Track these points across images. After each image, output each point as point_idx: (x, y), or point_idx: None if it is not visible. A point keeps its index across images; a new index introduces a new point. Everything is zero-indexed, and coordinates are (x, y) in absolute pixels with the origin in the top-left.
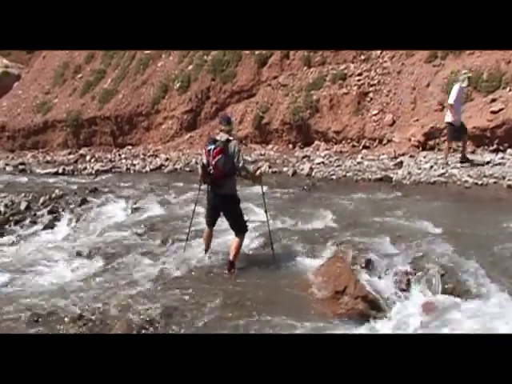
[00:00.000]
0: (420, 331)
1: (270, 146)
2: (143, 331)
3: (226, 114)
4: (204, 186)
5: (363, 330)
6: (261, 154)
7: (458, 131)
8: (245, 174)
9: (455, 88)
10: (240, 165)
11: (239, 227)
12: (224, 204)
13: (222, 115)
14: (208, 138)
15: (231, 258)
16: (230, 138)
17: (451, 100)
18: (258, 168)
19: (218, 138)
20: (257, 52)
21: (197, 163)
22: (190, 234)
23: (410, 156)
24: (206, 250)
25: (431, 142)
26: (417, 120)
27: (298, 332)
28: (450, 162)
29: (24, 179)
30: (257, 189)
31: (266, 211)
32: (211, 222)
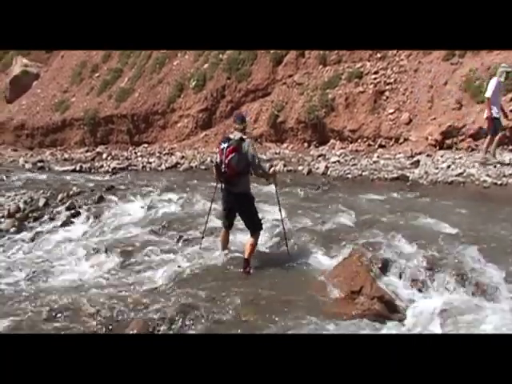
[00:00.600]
0: (436, 332)
1: (285, 145)
2: (159, 328)
3: (241, 113)
4: (219, 185)
5: (379, 330)
6: (276, 153)
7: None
8: (260, 173)
9: (492, 82)
10: (256, 164)
11: (254, 226)
12: (238, 203)
13: (237, 114)
14: (222, 136)
15: (246, 256)
16: (244, 136)
17: (488, 93)
18: (272, 166)
19: (231, 136)
20: (272, 51)
21: (211, 162)
22: (205, 231)
23: (427, 155)
24: (223, 250)
25: (449, 141)
26: (434, 119)
27: (312, 332)
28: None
29: (42, 176)
30: (271, 187)
31: (280, 209)
32: (227, 224)
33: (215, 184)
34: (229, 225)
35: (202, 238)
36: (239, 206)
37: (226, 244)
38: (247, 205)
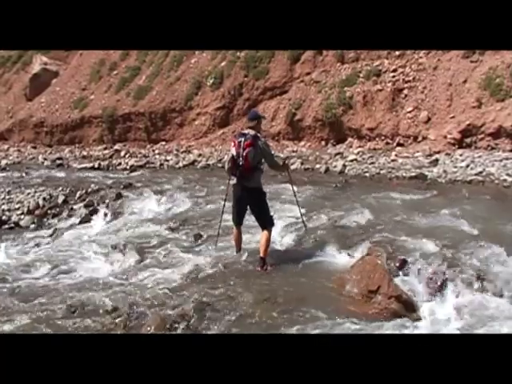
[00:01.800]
0: (454, 332)
1: (303, 143)
2: (176, 325)
3: (254, 110)
4: (232, 181)
5: (396, 330)
6: (293, 151)
7: None
8: (275, 166)
9: None
10: (271, 158)
11: (266, 221)
12: (251, 197)
13: (250, 111)
14: (236, 132)
15: (262, 254)
16: (258, 135)
17: None
18: (285, 159)
19: (243, 131)
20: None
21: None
22: (220, 229)
23: (446, 154)
24: (238, 251)
25: (468, 140)
26: (453, 117)
27: (328, 330)
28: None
29: (61, 173)
30: (287, 185)
31: (297, 202)
32: (239, 221)
33: (227, 181)
34: (240, 221)
35: (218, 235)
36: (252, 202)
37: (239, 242)
38: (260, 200)
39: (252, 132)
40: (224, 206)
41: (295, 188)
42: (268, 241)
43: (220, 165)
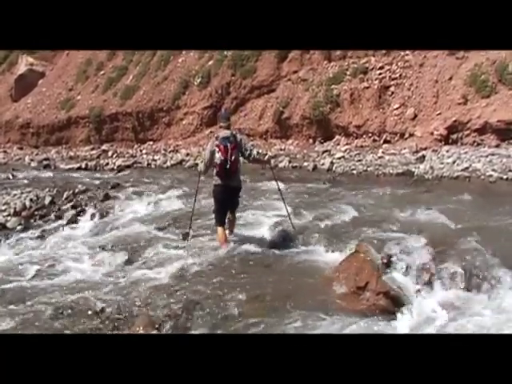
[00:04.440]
0: (442, 328)
1: (290, 141)
2: (164, 325)
3: (225, 111)
4: (215, 182)
5: (384, 326)
6: (281, 149)
7: None
8: (257, 159)
9: None
10: (253, 153)
11: (236, 207)
12: (234, 195)
13: (222, 113)
14: (215, 137)
15: (230, 230)
16: (234, 132)
17: None
18: (265, 154)
19: (225, 135)
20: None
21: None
22: (191, 224)
23: (433, 150)
24: (225, 248)
25: (454, 136)
26: (439, 114)
27: (317, 328)
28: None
29: (48, 174)
30: (272, 182)
31: (283, 199)
32: (223, 220)
33: (198, 178)
34: (224, 220)
35: (189, 229)
36: (233, 198)
37: (226, 239)
38: (238, 196)
39: (228, 132)
40: (195, 201)
41: (281, 185)
42: (235, 220)
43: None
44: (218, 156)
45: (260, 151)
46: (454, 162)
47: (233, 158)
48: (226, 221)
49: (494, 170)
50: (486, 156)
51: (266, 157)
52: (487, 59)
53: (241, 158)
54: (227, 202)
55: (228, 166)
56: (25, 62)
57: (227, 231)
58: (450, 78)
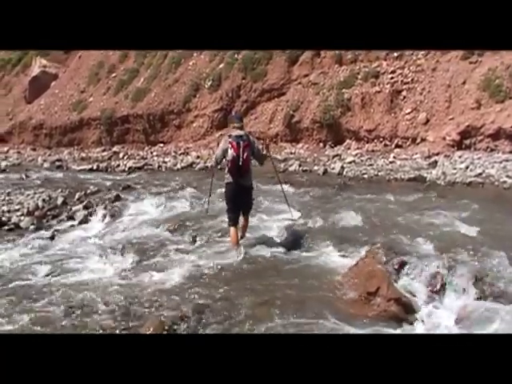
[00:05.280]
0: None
1: (301, 145)
2: (174, 327)
3: (238, 113)
4: (226, 180)
5: (395, 332)
6: (291, 153)
7: None
8: (263, 158)
9: None
10: (261, 152)
11: (249, 210)
12: (246, 194)
13: (234, 114)
14: (228, 135)
15: (242, 234)
16: (247, 132)
17: None
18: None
19: (238, 134)
20: (287, 50)
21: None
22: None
23: (445, 156)
24: (237, 249)
25: (467, 141)
26: (452, 118)
27: (327, 333)
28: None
29: (60, 175)
30: (278, 187)
31: (285, 197)
32: (236, 220)
33: (211, 178)
34: (237, 221)
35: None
36: (246, 198)
37: (237, 240)
38: (251, 196)
39: (241, 132)
40: (210, 193)
41: (291, 189)
42: (247, 224)
43: (219, 167)
44: (231, 152)
45: (261, 147)
46: (466, 168)
47: (245, 155)
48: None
49: (508, 177)
50: (500, 162)
51: (265, 150)
52: (501, 63)
53: (253, 160)
54: (239, 202)
55: (240, 163)
56: (38, 64)
57: (240, 234)
58: (464, 83)
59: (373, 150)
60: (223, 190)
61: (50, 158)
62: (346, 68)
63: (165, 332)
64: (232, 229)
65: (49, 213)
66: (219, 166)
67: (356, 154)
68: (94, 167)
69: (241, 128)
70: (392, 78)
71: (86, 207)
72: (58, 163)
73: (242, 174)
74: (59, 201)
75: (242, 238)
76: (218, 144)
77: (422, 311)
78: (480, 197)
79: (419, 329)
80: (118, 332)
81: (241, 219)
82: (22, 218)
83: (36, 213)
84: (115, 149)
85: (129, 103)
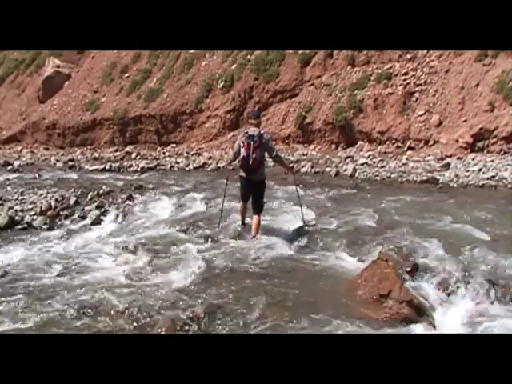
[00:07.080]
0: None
1: (313, 146)
2: (186, 328)
3: (255, 110)
4: (241, 173)
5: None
6: (303, 154)
7: None
8: (279, 160)
9: None
10: (274, 154)
11: (260, 207)
12: (256, 187)
13: (252, 111)
14: (244, 132)
15: (254, 233)
16: (262, 131)
17: None
18: (292, 163)
19: (251, 133)
20: (300, 51)
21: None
22: (220, 222)
23: (458, 158)
24: (243, 223)
25: (480, 144)
26: (465, 121)
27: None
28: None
29: (73, 175)
30: (293, 187)
31: (300, 204)
32: (246, 199)
33: (225, 181)
34: (246, 199)
35: (219, 222)
36: (256, 191)
37: (244, 214)
38: (261, 190)
39: (256, 130)
40: (223, 202)
41: (303, 191)
42: (259, 223)
43: (231, 167)
44: (242, 151)
45: (282, 155)
46: (479, 170)
47: (254, 155)
48: (251, 223)
49: None
50: None
51: (291, 165)
52: None
53: (267, 156)
54: (250, 191)
55: (250, 163)
56: (52, 64)
57: (252, 234)
58: (477, 85)
59: (385, 152)
60: (238, 184)
61: (63, 157)
62: (359, 69)
63: (177, 332)
64: (242, 204)
65: (61, 212)
66: (236, 161)
67: (368, 156)
68: (107, 167)
69: (256, 125)
70: (405, 79)
71: (98, 207)
72: (70, 163)
73: (251, 171)
74: (72, 200)
75: (254, 237)
76: (234, 142)
77: (435, 314)
78: (493, 199)
79: (431, 331)
80: (129, 332)
81: (253, 219)
82: (35, 217)
83: (49, 212)
84: (128, 149)
85: (141, 103)
